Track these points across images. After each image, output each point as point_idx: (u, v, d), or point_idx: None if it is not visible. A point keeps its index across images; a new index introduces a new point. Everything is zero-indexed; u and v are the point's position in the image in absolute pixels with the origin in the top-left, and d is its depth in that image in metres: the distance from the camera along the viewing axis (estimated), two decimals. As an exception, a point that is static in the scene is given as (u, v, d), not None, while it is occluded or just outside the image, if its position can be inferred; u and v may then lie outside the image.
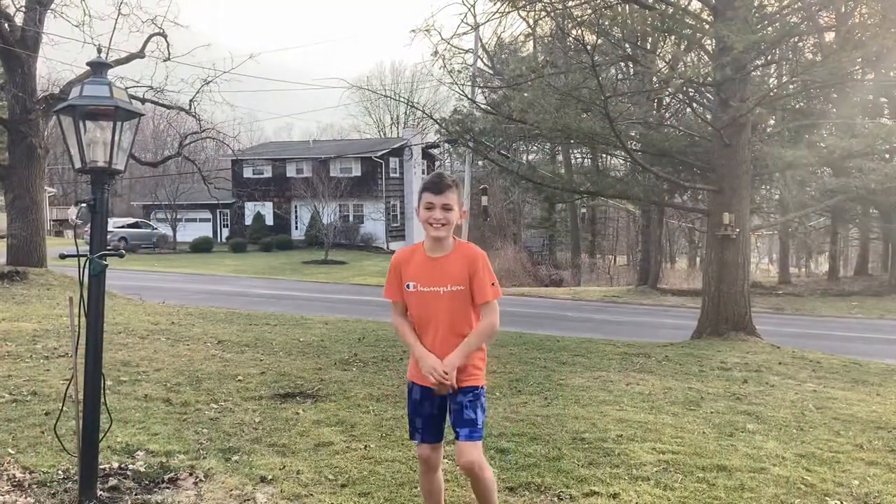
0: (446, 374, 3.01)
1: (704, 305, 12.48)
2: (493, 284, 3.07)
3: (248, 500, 3.73)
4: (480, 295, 3.05)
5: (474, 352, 3.09)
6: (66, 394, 3.98)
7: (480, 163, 28.35)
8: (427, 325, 3.10)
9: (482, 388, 3.15)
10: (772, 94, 12.87)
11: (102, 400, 3.64)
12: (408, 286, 3.11)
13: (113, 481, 3.82)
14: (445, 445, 3.37)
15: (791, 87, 13.16)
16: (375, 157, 41.30)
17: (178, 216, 40.93)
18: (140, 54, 17.56)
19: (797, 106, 16.87)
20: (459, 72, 14.76)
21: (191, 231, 41.76)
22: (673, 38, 13.56)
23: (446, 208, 3.01)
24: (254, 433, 4.91)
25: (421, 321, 3.12)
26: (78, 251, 3.44)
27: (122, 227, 38.29)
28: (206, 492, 3.81)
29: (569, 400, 6.40)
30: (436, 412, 3.16)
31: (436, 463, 3.21)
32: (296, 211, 42.32)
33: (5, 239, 16.84)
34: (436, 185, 3.04)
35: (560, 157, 37.17)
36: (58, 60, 19.65)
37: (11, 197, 16.14)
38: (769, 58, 13.79)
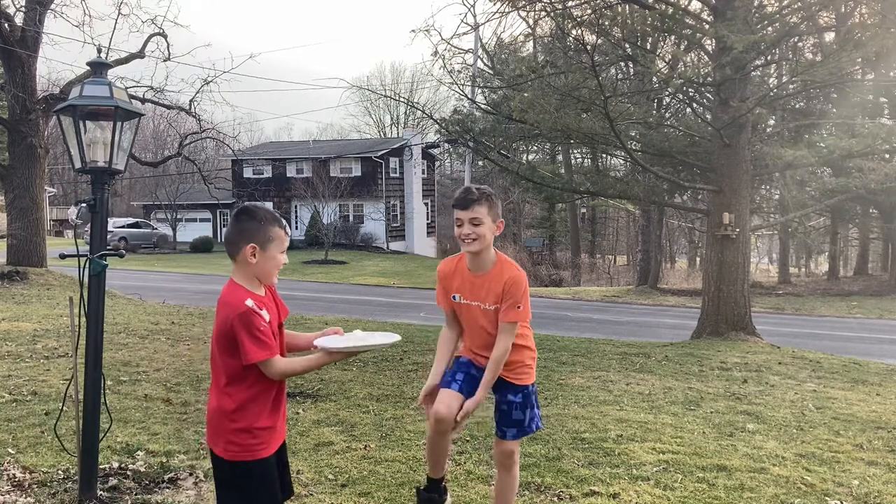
0: (460, 417, 3.06)
1: (704, 305, 12.48)
2: (518, 308, 3.03)
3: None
4: (504, 314, 3.05)
5: (524, 350, 3.17)
6: (66, 394, 3.98)
7: (480, 163, 28.39)
8: (472, 330, 3.19)
9: (532, 386, 3.20)
10: (772, 94, 12.88)
11: (102, 400, 3.64)
12: (454, 297, 3.18)
13: (113, 481, 3.82)
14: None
15: (791, 87, 13.17)
16: (375, 157, 41.29)
17: (178, 216, 40.93)
18: (140, 54, 17.54)
19: (797, 106, 16.88)
20: (459, 72, 14.78)
21: (191, 231, 41.76)
22: (673, 38, 13.57)
23: (474, 223, 2.99)
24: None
25: (467, 326, 3.22)
26: (78, 251, 3.44)
27: (122, 227, 38.30)
28: (206, 492, 3.81)
29: (569, 400, 6.40)
30: (479, 376, 3.13)
31: (449, 423, 3.06)
32: (296, 211, 42.31)
33: (5, 239, 16.84)
34: (461, 201, 3.02)
35: (560, 157, 37.18)
36: (58, 60, 19.67)
37: (11, 197, 16.13)
38: (769, 58, 13.79)
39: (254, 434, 2.41)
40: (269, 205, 45.28)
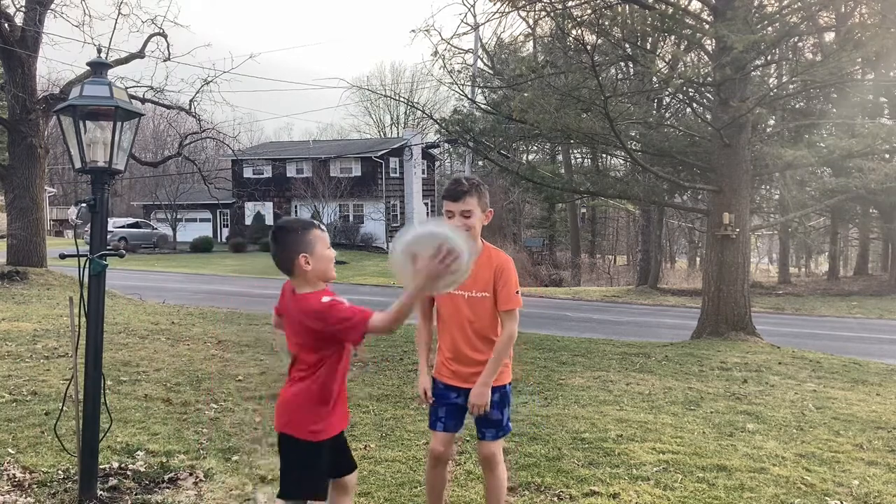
0: (481, 405, 3.05)
1: (704, 305, 12.48)
2: (517, 293, 3.08)
3: (248, 500, 3.73)
4: (504, 302, 3.06)
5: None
6: (66, 394, 3.98)
7: (480, 163, 28.39)
8: (452, 324, 3.13)
9: (509, 385, 3.20)
10: (772, 94, 12.88)
11: (102, 400, 3.64)
12: None
13: (113, 481, 3.82)
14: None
15: (791, 87, 13.17)
16: (375, 157, 41.30)
17: (178, 216, 40.92)
18: (140, 54, 17.53)
19: (797, 106, 16.88)
20: (459, 72, 14.80)
21: (191, 231, 41.76)
22: (673, 38, 13.56)
23: (465, 215, 3.01)
24: (254, 433, 4.91)
25: (446, 320, 3.15)
26: (78, 251, 3.44)
27: (122, 227, 38.29)
28: (206, 492, 3.81)
29: (569, 400, 6.40)
30: (461, 402, 3.15)
31: (448, 456, 3.24)
32: (296, 211, 42.31)
33: (5, 239, 16.84)
34: (452, 193, 3.04)
35: (560, 157, 37.18)
36: (58, 60, 19.71)
37: (11, 197, 16.12)
38: (769, 58, 13.79)
39: (317, 419, 2.66)
40: (269, 205, 45.57)
